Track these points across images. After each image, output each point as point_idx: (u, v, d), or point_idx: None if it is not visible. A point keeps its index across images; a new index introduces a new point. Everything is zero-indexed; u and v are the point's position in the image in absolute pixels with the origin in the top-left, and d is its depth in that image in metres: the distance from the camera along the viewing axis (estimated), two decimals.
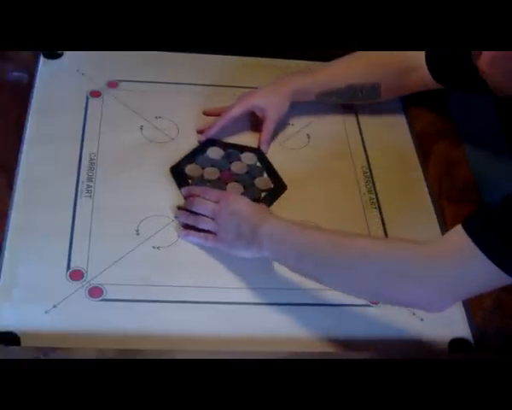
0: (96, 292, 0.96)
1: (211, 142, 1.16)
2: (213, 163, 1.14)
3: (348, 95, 1.19)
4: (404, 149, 1.22)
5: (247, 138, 1.19)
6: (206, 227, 1.02)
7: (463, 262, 0.84)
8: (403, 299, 0.90)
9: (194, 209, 1.03)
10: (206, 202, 1.03)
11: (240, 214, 0.98)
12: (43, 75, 1.22)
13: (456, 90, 1.18)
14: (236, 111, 1.16)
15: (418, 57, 1.15)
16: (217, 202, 1.02)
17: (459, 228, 0.85)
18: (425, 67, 1.15)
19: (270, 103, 1.16)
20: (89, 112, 1.18)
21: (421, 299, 0.88)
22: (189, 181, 1.11)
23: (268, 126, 1.17)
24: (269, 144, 1.18)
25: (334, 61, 1.20)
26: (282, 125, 1.20)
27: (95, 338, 0.92)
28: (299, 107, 1.21)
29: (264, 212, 0.99)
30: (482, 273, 0.83)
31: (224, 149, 1.16)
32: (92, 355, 0.86)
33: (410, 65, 1.16)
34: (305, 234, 0.93)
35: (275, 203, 1.09)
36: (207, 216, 1.02)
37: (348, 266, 0.90)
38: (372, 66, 1.18)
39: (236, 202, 1.00)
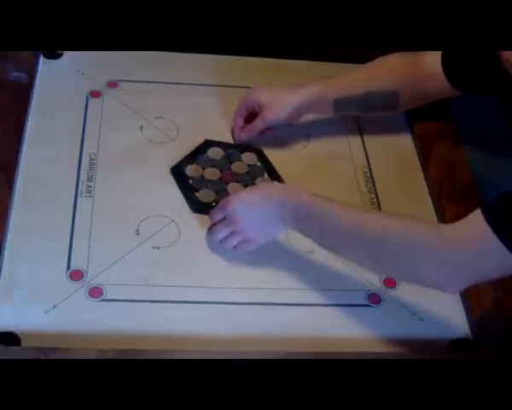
0: (96, 292, 0.96)
1: (211, 142, 1.16)
2: (214, 163, 1.14)
3: (367, 103, 1.15)
4: (405, 149, 1.22)
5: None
6: (234, 242, 1.01)
7: (479, 247, 0.86)
8: (419, 278, 0.92)
9: (216, 239, 1.02)
10: (218, 229, 1.01)
11: (253, 219, 0.99)
12: (43, 75, 1.22)
13: (473, 93, 1.15)
14: (241, 107, 1.16)
15: (435, 64, 1.13)
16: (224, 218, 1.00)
17: (478, 213, 0.86)
18: (442, 74, 1.12)
19: (270, 104, 1.14)
20: (89, 112, 1.18)
21: (437, 280, 0.89)
22: (190, 181, 1.11)
23: (256, 123, 1.15)
24: (246, 138, 1.16)
25: (352, 70, 1.18)
26: (281, 127, 1.19)
27: (95, 338, 0.92)
28: None
29: (267, 201, 0.98)
30: (497, 259, 0.85)
31: (225, 150, 1.16)
32: (92, 355, 0.86)
33: (426, 73, 1.14)
34: (326, 213, 0.94)
35: None
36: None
37: (368, 245, 0.92)
38: (389, 73, 1.16)
39: (241, 212, 0.99)
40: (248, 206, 0.99)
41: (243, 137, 1.16)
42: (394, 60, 1.15)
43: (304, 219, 0.95)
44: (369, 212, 0.99)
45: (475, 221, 0.86)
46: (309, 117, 1.23)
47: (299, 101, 1.14)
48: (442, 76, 1.13)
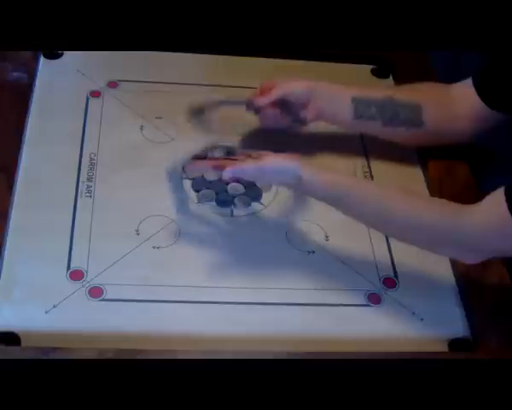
0: (96, 292, 0.96)
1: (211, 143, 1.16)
2: None
3: (388, 110, 1.10)
4: (404, 149, 1.21)
5: (247, 139, 1.19)
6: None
7: (499, 227, 0.88)
8: (440, 251, 0.98)
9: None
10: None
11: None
12: (43, 75, 1.22)
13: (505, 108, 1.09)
14: (278, 93, 1.11)
15: (465, 85, 1.11)
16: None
17: (500, 192, 0.87)
18: (473, 91, 1.09)
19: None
20: (89, 112, 1.18)
21: (459, 254, 0.96)
22: (190, 181, 1.11)
23: (272, 91, 1.11)
24: (261, 102, 1.12)
25: None
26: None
27: (95, 338, 0.92)
28: None
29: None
30: None
31: (225, 150, 1.16)
32: (92, 355, 0.86)
33: (455, 91, 1.12)
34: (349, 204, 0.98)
35: (275, 203, 1.09)
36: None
37: (396, 229, 0.97)
38: (412, 90, 1.13)
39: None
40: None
41: (260, 101, 1.11)
42: (419, 84, 1.14)
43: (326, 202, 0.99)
44: (395, 199, 0.96)
45: (496, 200, 0.88)
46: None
47: (314, 84, 1.11)
48: (472, 93, 1.09)
